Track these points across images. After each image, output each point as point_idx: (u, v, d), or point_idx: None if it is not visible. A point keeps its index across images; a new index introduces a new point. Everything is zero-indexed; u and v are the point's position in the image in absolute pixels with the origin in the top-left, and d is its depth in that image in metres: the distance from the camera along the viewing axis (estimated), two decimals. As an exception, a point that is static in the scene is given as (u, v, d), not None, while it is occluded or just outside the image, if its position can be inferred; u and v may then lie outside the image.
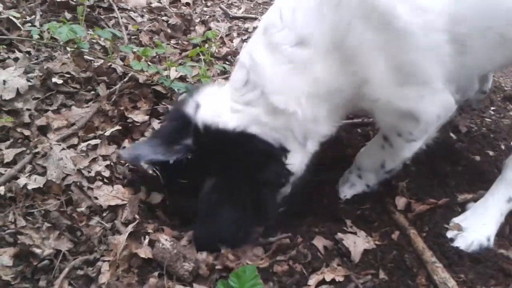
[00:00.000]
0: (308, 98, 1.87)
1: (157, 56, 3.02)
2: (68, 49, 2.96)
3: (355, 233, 2.09)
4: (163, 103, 2.64)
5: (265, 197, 1.97)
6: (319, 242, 2.05)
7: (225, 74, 3.09)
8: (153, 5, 3.58)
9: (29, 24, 3.09)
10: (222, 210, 1.93)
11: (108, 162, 2.24)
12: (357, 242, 2.04)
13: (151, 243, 1.94)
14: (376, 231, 2.14)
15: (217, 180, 1.94)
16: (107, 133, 2.37)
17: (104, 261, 1.87)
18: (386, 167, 2.21)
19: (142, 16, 3.46)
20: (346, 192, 2.33)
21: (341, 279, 1.89)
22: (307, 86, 1.85)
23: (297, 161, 2.00)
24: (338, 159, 2.54)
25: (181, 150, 1.90)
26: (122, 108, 2.53)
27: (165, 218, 2.27)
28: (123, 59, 2.93)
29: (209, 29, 3.50)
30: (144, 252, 1.89)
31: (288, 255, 1.98)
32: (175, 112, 2.11)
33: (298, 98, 1.87)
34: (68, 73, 2.73)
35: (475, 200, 2.24)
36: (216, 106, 1.96)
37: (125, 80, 2.69)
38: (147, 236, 1.98)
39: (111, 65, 2.78)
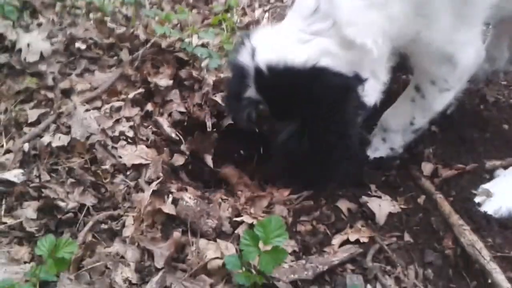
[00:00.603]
0: (384, 37, 1.76)
1: (179, 25, 3.00)
2: (91, 15, 2.96)
3: (380, 197, 2.06)
4: (186, 68, 2.62)
5: (350, 133, 1.88)
6: (343, 205, 2.03)
7: (247, 43, 3.06)
8: (174, -25, 3.55)
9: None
10: (311, 154, 1.86)
11: (131, 123, 2.24)
12: (382, 205, 2.01)
13: (175, 202, 1.94)
14: (402, 195, 2.10)
15: (297, 124, 1.83)
16: (131, 96, 2.36)
17: (128, 216, 1.87)
18: (415, 124, 2.15)
19: (164, -14, 3.44)
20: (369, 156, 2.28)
21: (366, 240, 1.87)
22: (384, 24, 1.74)
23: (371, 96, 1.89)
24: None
25: (246, 105, 1.85)
26: (145, 72, 2.52)
27: (188, 179, 2.27)
28: (145, 27, 2.91)
29: (231, -1, 3.47)
30: (168, 208, 1.88)
31: (311, 216, 1.97)
32: (231, 65, 2.02)
33: (374, 35, 1.74)
34: (91, 38, 2.73)
35: (504, 167, 2.19)
36: (278, 42, 1.81)
37: (147, 46, 2.67)
38: (170, 195, 1.97)
39: (133, 31, 2.77)
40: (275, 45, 1.80)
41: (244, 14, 3.37)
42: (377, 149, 2.28)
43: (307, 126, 1.81)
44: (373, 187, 2.12)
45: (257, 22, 3.29)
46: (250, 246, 1.53)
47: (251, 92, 1.84)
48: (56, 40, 2.67)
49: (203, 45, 2.82)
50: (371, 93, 1.87)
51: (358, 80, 1.80)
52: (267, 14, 3.43)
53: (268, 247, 1.55)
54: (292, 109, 1.82)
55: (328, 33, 1.74)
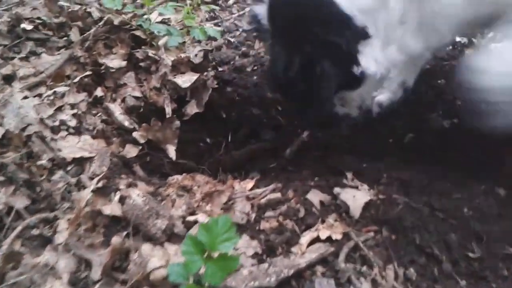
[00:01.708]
0: None
1: (138, 0, 2.72)
2: (41, -7, 2.67)
3: (356, 187, 1.82)
4: (143, 47, 2.35)
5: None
6: (315, 197, 1.77)
7: (214, 19, 2.79)
8: None
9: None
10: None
11: (75, 111, 1.98)
12: (357, 196, 1.77)
13: (122, 200, 1.69)
14: (381, 184, 1.86)
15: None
16: (76, 80, 2.10)
17: (63, 219, 1.63)
18: None
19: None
20: None
21: (339, 236, 1.62)
22: None
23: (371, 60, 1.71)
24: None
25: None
26: (95, 53, 2.25)
27: (144, 173, 2.03)
28: (101, 4, 2.64)
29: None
30: (111, 209, 1.64)
31: (278, 211, 1.72)
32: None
33: None
34: (39, 18, 2.46)
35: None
36: None
37: (100, 24, 2.40)
38: (117, 192, 1.73)
39: (86, 9, 2.49)
40: None
41: (213, -14, 3.09)
42: None
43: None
44: (349, 175, 1.88)
45: (227, -4, 3.02)
46: (194, 254, 1.28)
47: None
48: (0, 21, 2.39)
49: (164, 22, 2.55)
50: (371, 58, 1.70)
51: (362, 31, 1.63)
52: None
53: (216, 254, 1.31)
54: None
55: None
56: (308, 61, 1.65)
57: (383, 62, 1.74)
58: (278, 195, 1.78)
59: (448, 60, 2.51)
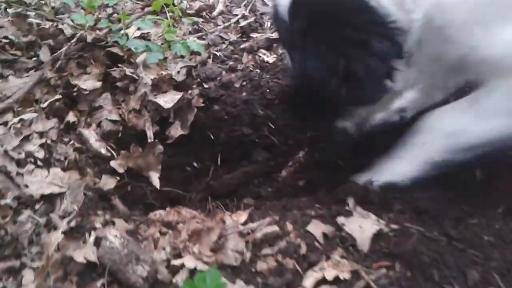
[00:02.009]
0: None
1: (115, 15, 2.52)
2: (10, 11, 2.47)
3: (362, 216, 1.62)
4: (119, 66, 2.15)
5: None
6: (316, 228, 1.57)
7: (198, 32, 2.59)
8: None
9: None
10: None
11: (44, 140, 1.77)
12: (364, 226, 1.57)
13: (98, 242, 1.48)
14: (389, 211, 1.67)
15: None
16: (45, 105, 1.89)
17: (31, 268, 1.41)
18: None
19: (99, -29, 2.95)
20: None
21: (347, 276, 1.42)
22: None
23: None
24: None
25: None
26: (67, 74, 2.05)
27: (123, 207, 1.82)
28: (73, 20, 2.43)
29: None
30: (84, 253, 1.42)
31: (276, 248, 1.51)
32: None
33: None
34: (6, 37, 2.25)
35: None
36: None
37: (72, 41, 2.19)
38: (92, 232, 1.52)
39: (57, 25, 2.29)
40: None
41: (196, -3, 2.89)
42: None
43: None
44: (351, 202, 1.68)
45: (211, 7, 2.82)
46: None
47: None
48: (-38, 42, 2.19)
49: (143, 37, 2.35)
50: (400, 76, 1.56)
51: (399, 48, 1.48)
52: (224, -1, 2.97)
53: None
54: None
55: None
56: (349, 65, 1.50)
57: (407, 83, 1.65)
58: (275, 228, 1.57)
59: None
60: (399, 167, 1.79)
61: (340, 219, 1.58)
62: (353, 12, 1.46)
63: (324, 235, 1.56)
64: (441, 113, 1.69)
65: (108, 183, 1.80)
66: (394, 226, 1.58)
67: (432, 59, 1.58)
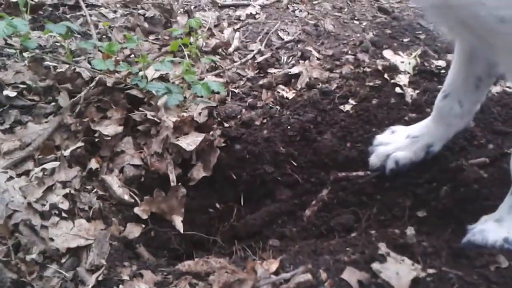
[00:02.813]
0: None
1: (133, 56, 2.51)
2: (26, 55, 2.47)
3: (396, 261, 1.57)
4: (140, 109, 2.13)
5: None
6: (351, 276, 1.52)
7: (215, 69, 2.58)
8: (127, -2, 3.08)
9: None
10: None
11: (68, 190, 1.74)
12: (401, 272, 1.51)
13: (126, 295, 1.44)
14: (424, 256, 1.61)
15: None
16: (67, 153, 1.87)
17: (60, 328, 1.37)
18: None
19: (114, 11, 2.95)
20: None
21: (387, 326, 1.37)
22: None
23: None
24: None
25: None
26: (87, 119, 2.03)
27: (148, 255, 1.78)
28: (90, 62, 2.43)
29: (194, 19, 3.00)
30: (115, 311, 1.38)
31: (311, 298, 1.47)
32: None
33: None
34: (23, 83, 2.24)
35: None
36: None
37: (91, 85, 2.18)
38: (120, 286, 1.48)
39: (75, 69, 2.28)
40: None
41: (211, 35, 2.89)
42: None
43: None
44: (383, 247, 1.63)
45: (226, 44, 2.81)
46: None
47: None
48: (-20, 89, 2.18)
49: (162, 78, 2.34)
50: None
51: None
52: (237, 34, 2.96)
53: None
54: None
55: None
56: None
57: None
58: (308, 277, 1.52)
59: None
60: None
61: (375, 265, 1.53)
62: None
63: (360, 282, 1.51)
64: None
65: (133, 231, 1.76)
66: (430, 271, 1.53)
67: None
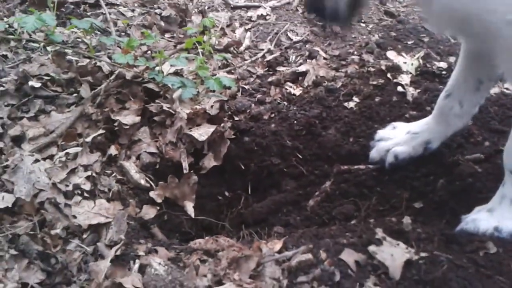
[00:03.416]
0: None
1: (150, 52, 2.66)
2: (49, 49, 2.62)
3: (392, 244, 1.69)
4: (156, 101, 2.27)
5: None
6: (349, 256, 1.64)
7: (227, 66, 2.72)
8: (145, -2, 3.24)
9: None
10: None
11: (89, 173, 1.89)
12: (395, 254, 1.64)
13: (142, 269, 1.58)
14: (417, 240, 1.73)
15: None
16: (89, 139, 2.01)
17: (83, 293, 1.51)
18: None
19: (132, 10, 3.10)
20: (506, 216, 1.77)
21: (380, 302, 1.49)
22: None
23: None
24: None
25: None
26: (107, 109, 2.17)
27: (162, 235, 1.91)
28: (110, 57, 2.57)
29: (208, 19, 3.15)
30: (132, 280, 1.51)
31: (311, 275, 1.59)
32: None
33: None
34: (47, 75, 2.38)
35: None
36: None
37: (111, 78, 2.33)
38: (137, 260, 1.62)
39: (96, 63, 2.43)
40: None
41: (224, 34, 3.03)
42: None
43: None
44: (379, 232, 1.75)
45: (238, 43, 2.95)
46: None
47: None
48: (7, 79, 2.32)
49: (176, 73, 2.48)
50: None
51: None
52: (248, 34, 3.09)
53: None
54: None
55: None
56: None
57: None
58: (309, 256, 1.64)
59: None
60: None
61: (372, 248, 1.66)
62: None
63: (357, 263, 1.63)
64: None
65: (148, 213, 1.89)
66: (423, 254, 1.65)
67: None
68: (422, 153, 2.14)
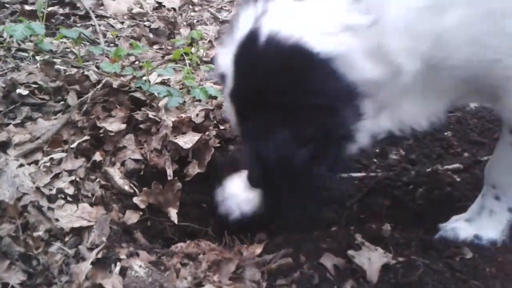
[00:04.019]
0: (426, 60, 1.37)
1: (137, 62, 2.70)
2: (38, 58, 2.65)
3: (370, 249, 1.72)
4: (143, 109, 2.30)
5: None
6: (328, 261, 1.68)
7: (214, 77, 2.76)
8: (134, 11, 3.28)
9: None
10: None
11: (73, 178, 1.91)
12: (373, 258, 1.67)
13: (123, 271, 1.59)
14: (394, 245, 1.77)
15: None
16: (74, 145, 2.04)
17: (63, 294, 1.52)
18: None
19: (122, 23, 3.16)
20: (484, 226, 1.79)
21: (358, 305, 1.52)
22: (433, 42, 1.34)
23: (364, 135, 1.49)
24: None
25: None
26: (93, 117, 2.20)
27: (144, 240, 1.93)
28: (98, 67, 2.61)
29: (197, 32, 3.21)
30: (112, 282, 1.53)
31: (290, 278, 1.61)
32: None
33: (418, 54, 1.35)
34: (35, 83, 2.42)
35: None
36: (297, 18, 1.37)
37: (98, 87, 2.36)
38: (118, 263, 1.63)
39: (83, 72, 2.46)
40: (290, 19, 1.37)
41: (211, 47, 3.08)
42: (493, 212, 1.78)
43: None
44: (359, 237, 1.78)
45: (225, 55, 3.00)
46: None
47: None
48: (-5, 87, 2.35)
49: (163, 83, 2.52)
50: (366, 130, 1.48)
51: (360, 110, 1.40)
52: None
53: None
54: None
55: (363, 33, 1.33)
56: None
57: (376, 132, 1.55)
58: (289, 260, 1.68)
59: (453, 112, 2.47)
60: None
61: (351, 252, 1.69)
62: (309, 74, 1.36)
63: (335, 267, 1.66)
64: None
65: (131, 218, 1.91)
66: (400, 259, 1.68)
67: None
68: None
